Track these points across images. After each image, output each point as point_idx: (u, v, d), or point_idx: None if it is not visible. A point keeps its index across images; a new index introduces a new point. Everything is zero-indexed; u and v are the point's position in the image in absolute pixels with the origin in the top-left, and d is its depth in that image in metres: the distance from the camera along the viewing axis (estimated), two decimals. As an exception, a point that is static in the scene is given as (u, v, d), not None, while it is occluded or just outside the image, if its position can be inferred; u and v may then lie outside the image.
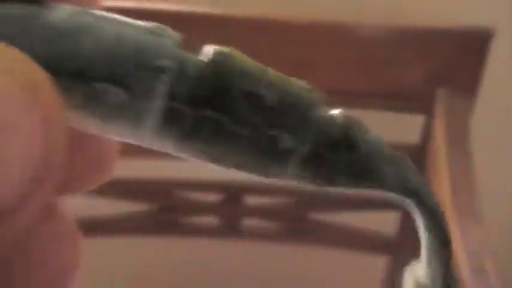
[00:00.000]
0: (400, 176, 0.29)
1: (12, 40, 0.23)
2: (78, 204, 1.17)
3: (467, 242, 0.79)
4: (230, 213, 1.17)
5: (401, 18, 1.09)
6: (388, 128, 1.18)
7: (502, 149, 1.29)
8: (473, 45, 1.03)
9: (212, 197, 1.16)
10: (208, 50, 0.27)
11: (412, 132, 1.11)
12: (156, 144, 0.26)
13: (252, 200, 1.17)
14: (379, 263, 1.22)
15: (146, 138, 0.25)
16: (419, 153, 1.09)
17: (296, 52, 1.02)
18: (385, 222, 1.16)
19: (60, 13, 0.24)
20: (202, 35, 1.02)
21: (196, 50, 0.26)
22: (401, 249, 1.16)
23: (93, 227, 1.16)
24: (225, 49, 0.27)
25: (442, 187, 0.93)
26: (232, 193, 1.15)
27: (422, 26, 1.03)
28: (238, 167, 0.28)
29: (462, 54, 1.03)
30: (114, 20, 0.25)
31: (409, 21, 1.04)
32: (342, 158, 0.28)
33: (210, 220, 1.18)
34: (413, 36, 1.02)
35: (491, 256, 0.77)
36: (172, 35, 0.26)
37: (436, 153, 1.01)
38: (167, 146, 0.26)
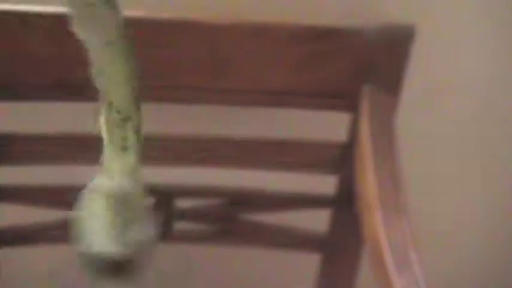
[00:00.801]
0: None
1: None
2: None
3: (392, 235, 0.81)
4: (162, 216, 1.17)
5: (325, 16, 1.10)
6: (317, 125, 1.21)
7: (428, 143, 1.31)
8: (395, 43, 1.06)
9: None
10: None
11: (341, 130, 1.13)
12: None
13: (183, 203, 1.17)
14: (312, 261, 1.23)
15: None
16: (347, 151, 1.11)
17: (219, 52, 1.03)
18: (316, 220, 1.18)
19: None
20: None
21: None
22: (333, 246, 1.18)
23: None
24: None
25: (369, 183, 0.94)
26: (163, 197, 1.14)
27: (345, 24, 1.05)
28: None
29: (385, 51, 1.05)
30: None
31: (332, 19, 1.05)
32: None
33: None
34: (336, 35, 1.04)
35: (416, 249, 0.79)
36: None
37: (362, 150, 1.02)
38: None
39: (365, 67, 1.05)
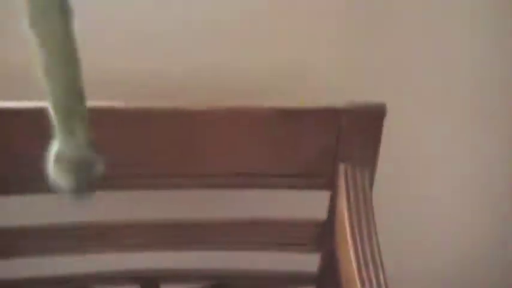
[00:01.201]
0: None
1: None
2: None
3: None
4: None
5: (299, 98, 1.13)
6: (298, 204, 1.23)
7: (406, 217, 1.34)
8: (368, 122, 1.09)
9: (130, 288, 1.17)
10: None
11: (322, 208, 1.15)
12: None
13: (169, 288, 1.18)
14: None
15: None
16: (328, 228, 1.12)
17: (195, 138, 1.05)
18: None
19: None
20: (101, 126, 1.05)
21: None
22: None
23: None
24: None
25: (349, 261, 0.96)
26: (149, 282, 1.15)
27: (318, 105, 1.08)
28: None
29: (358, 130, 1.08)
30: None
31: (306, 101, 1.09)
32: None
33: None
34: (310, 116, 1.07)
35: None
36: None
37: (341, 227, 1.04)
38: None
39: (340, 146, 1.08)
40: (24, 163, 1.07)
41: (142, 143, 1.07)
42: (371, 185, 1.11)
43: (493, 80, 1.23)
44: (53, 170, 0.78)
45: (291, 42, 1.15)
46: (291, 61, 1.16)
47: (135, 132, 1.07)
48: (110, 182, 1.09)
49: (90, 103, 1.07)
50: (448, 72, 1.22)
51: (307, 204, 1.20)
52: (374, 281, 0.89)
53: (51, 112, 0.73)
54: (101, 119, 1.06)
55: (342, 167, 1.09)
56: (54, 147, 0.77)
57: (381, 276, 0.90)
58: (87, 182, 0.78)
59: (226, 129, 1.07)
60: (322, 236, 1.13)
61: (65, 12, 0.68)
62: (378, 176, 1.12)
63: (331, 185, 1.11)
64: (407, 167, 1.28)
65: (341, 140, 1.08)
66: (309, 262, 1.18)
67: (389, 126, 1.11)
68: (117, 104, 1.06)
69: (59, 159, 0.77)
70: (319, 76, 1.18)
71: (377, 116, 1.08)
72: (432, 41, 1.20)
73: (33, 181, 1.06)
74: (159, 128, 1.06)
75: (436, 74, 1.22)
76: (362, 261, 0.94)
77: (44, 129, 1.03)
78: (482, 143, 1.28)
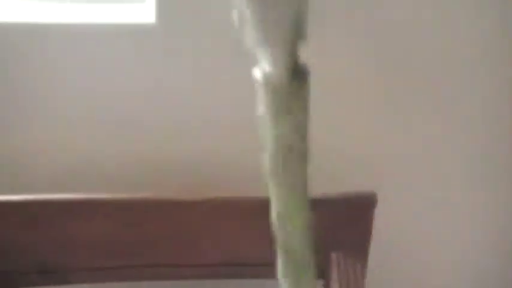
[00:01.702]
0: None
1: None
2: None
3: None
4: None
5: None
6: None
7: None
8: (359, 210, 1.10)
9: None
10: None
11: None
12: None
13: None
14: None
15: None
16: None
17: (190, 228, 1.07)
18: None
19: None
20: (95, 218, 1.06)
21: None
22: None
23: None
24: None
25: None
26: None
27: (311, 195, 1.10)
28: None
29: (349, 219, 1.10)
30: None
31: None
32: None
33: None
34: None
35: None
36: None
37: (334, 316, 1.05)
38: None
39: (331, 235, 1.10)
40: (17, 255, 1.08)
41: (136, 234, 1.08)
42: (363, 273, 1.12)
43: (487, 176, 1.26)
44: None
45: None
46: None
47: (129, 223, 1.08)
48: (105, 273, 1.10)
49: (85, 195, 1.09)
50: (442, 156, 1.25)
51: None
52: None
53: (279, 261, 0.73)
54: (95, 210, 1.07)
55: (334, 257, 1.10)
56: None
57: None
58: None
59: (219, 220, 1.08)
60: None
61: (304, 162, 0.70)
62: (372, 262, 1.13)
63: (323, 275, 1.11)
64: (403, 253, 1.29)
65: (332, 229, 1.10)
66: None
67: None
68: (112, 195, 1.08)
69: None
70: (309, 165, 1.20)
71: (368, 205, 1.10)
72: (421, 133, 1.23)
73: (27, 274, 1.07)
74: (153, 219, 1.07)
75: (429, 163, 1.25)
76: None
77: (38, 220, 1.05)
78: (478, 229, 1.30)
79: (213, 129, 1.17)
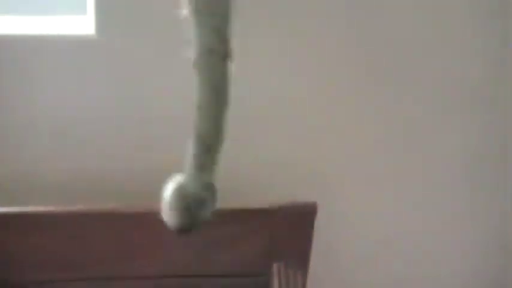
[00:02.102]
0: None
1: None
2: None
3: None
4: None
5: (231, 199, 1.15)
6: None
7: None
8: (300, 221, 1.11)
9: None
10: None
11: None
12: None
13: None
14: None
15: None
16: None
17: (128, 241, 1.07)
18: None
19: None
20: (37, 230, 1.06)
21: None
22: None
23: None
24: None
25: None
26: None
27: (252, 205, 1.11)
28: None
29: (291, 229, 1.11)
30: None
31: (238, 202, 1.11)
32: None
33: None
34: (244, 216, 1.09)
35: None
36: None
37: (275, 326, 1.05)
38: None
39: (273, 246, 1.10)
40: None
41: (76, 247, 1.07)
42: (305, 283, 1.12)
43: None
44: (168, 206, 0.81)
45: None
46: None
47: (69, 236, 1.07)
48: (49, 287, 1.09)
49: (27, 209, 1.08)
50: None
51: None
52: None
53: (193, 146, 0.78)
54: (37, 223, 1.07)
55: (275, 267, 1.11)
56: (177, 183, 0.81)
57: None
58: (198, 220, 0.81)
59: (160, 231, 1.08)
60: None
61: (224, 57, 0.76)
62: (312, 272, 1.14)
63: (265, 285, 1.12)
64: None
65: (274, 239, 1.10)
66: None
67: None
68: (52, 208, 1.07)
69: (179, 195, 0.80)
70: (249, 177, 1.21)
71: (308, 215, 1.11)
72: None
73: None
74: (94, 231, 1.07)
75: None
76: None
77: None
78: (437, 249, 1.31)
79: (154, 139, 1.18)
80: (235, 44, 0.77)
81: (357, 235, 1.28)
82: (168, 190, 0.83)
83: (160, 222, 1.08)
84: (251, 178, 1.21)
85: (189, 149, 0.80)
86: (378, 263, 1.30)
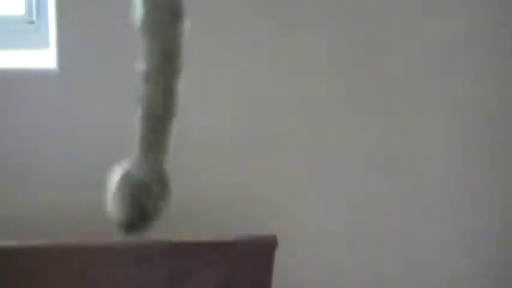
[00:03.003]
0: None
1: None
2: None
3: None
4: None
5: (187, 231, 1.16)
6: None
7: None
8: (260, 253, 1.12)
9: None
10: None
11: None
12: None
13: None
14: None
15: None
16: None
17: (87, 275, 1.06)
18: None
19: None
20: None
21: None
22: None
23: None
24: None
25: None
26: None
27: (209, 239, 1.11)
28: None
29: (250, 262, 1.11)
30: None
31: (195, 235, 1.11)
32: None
33: None
34: (202, 250, 1.10)
35: None
36: None
37: None
38: None
39: (231, 279, 1.11)
40: None
41: (34, 283, 1.07)
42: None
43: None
44: (113, 195, 0.74)
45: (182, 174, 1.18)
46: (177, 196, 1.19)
47: (27, 271, 1.06)
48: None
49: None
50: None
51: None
52: None
53: (140, 122, 0.73)
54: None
55: (235, 299, 1.11)
56: (123, 169, 0.74)
57: None
58: (147, 213, 0.74)
59: (116, 265, 1.08)
60: None
61: (176, 16, 0.69)
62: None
63: (225, 317, 1.12)
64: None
65: (234, 272, 1.11)
66: None
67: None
68: (7, 242, 1.07)
69: (125, 182, 0.74)
70: (204, 211, 1.21)
71: (268, 247, 1.12)
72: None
73: None
74: (54, 265, 1.07)
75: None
76: None
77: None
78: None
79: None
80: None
81: (317, 265, 1.29)
82: (113, 178, 0.75)
83: (120, 255, 1.08)
84: (207, 208, 1.21)
85: (136, 129, 0.74)
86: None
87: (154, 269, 1.08)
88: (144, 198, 0.74)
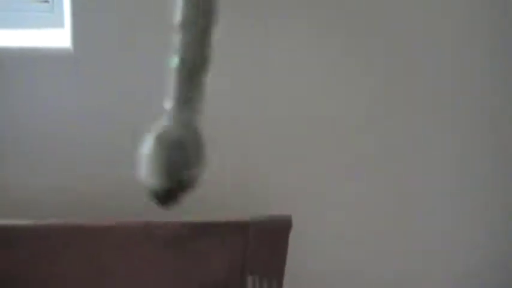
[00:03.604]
0: None
1: None
2: None
3: None
4: None
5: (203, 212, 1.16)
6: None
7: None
8: (274, 234, 1.12)
9: None
10: None
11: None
12: None
13: None
14: None
15: None
16: None
17: (103, 254, 1.06)
18: None
19: None
20: (10, 246, 1.05)
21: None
22: None
23: None
24: None
25: None
26: None
27: (225, 219, 1.11)
28: None
29: (265, 242, 1.11)
30: None
31: (211, 215, 1.11)
32: None
33: None
34: (217, 230, 1.09)
35: None
36: None
37: None
38: None
39: (247, 259, 1.11)
40: None
41: (51, 263, 1.07)
42: (279, 296, 1.13)
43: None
44: (147, 161, 0.72)
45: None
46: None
47: (43, 252, 1.07)
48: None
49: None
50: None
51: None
52: None
53: (174, 76, 0.72)
54: (9, 238, 1.06)
55: (249, 280, 1.11)
56: (155, 132, 0.72)
57: None
58: (183, 179, 0.72)
59: (134, 245, 1.08)
60: None
61: None
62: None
63: (239, 298, 1.12)
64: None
65: (248, 252, 1.11)
66: None
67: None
68: (25, 221, 1.07)
69: (161, 139, 0.72)
70: (220, 193, 1.21)
71: (283, 228, 1.12)
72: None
73: None
74: (67, 246, 1.07)
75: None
76: None
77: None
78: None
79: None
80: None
81: (330, 254, 1.29)
82: (146, 142, 0.73)
83: (137, 235, 1.08)
84: (226, 189, 1.21)
85: (169, 82, 0.72)
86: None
87: (169, 249, 1.08)
88: (180, 161, 0.72)
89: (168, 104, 0.73)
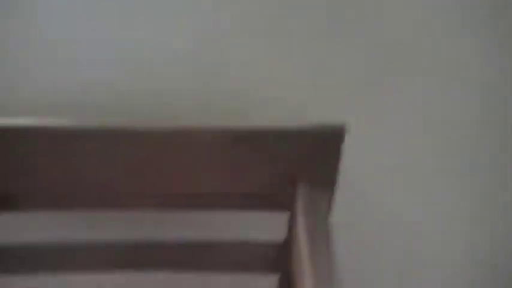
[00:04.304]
0: None
1: None
2: None
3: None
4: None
5: (258, 119, 1.13)
6: (256, 226, 1.21)
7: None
8: (327, 142, 1.08)
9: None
10: None
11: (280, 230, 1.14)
12: None
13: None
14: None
15: None
16: (286, 248, 1.11)
17: (153, 158, 1.04)
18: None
19: None
20: (58, 145, 1.03)
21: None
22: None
23: None
24: None
25: (306, 277, 0.95)
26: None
27: (278, 126, 1.07)
28: None
29: (318, 150, 1.07)
30: None
31: (264, 122, 1.08)
32: None
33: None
34: (270, 136, 1.06)
35: None
36: None
37: (299, 247, 1.03)
38: None
39: (299, 167, 1.07)
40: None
41: (99, 163, 1.05)
42: (330, 206, 1.10)
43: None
44: None
45: (248, 63, 1.14)
46: (246, 80, 1.15)
47: (93, 152, 1.05)
48: (67, 201, 1.07)
49: (45, 121, 1.06)
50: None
51: (265, 226, 1.19)
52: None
53: None
54: (57, 137, 1.04)
55: (301, 188, 1.08)
56: None
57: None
58: None
59: (182, 150, 1.05)
60: (279, 257, 1.12)
61: None
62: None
63: (289, 206, 1.09)
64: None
65: (300, 160, 1.07)
66: (265, 284, 1.16)
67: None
68: (73, 122, 1.05)
69: None
70: (276, 96, 1.18)
71: (337, 136, 1.08)
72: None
73: None
74: (116, 148, 1.04)
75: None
76: (319, 283, 0.92)
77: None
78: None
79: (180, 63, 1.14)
80: None
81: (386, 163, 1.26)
82: None
83: (186, 140, 1.05)
84: (276, 97, 1.17)
85: None
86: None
87: (219, 154, 1.05)
88: None
89: None
